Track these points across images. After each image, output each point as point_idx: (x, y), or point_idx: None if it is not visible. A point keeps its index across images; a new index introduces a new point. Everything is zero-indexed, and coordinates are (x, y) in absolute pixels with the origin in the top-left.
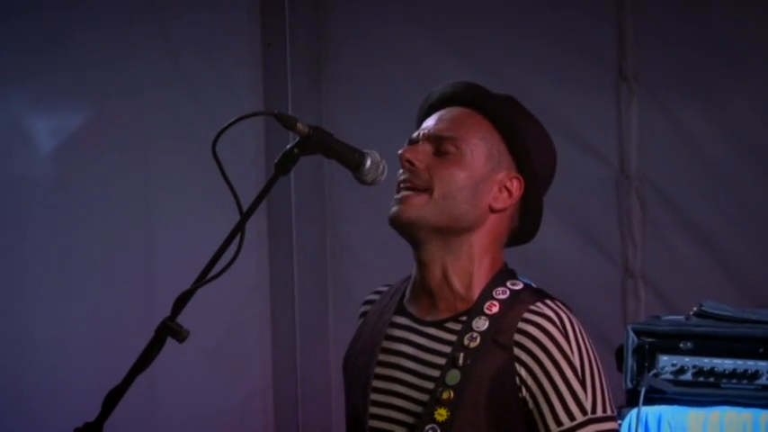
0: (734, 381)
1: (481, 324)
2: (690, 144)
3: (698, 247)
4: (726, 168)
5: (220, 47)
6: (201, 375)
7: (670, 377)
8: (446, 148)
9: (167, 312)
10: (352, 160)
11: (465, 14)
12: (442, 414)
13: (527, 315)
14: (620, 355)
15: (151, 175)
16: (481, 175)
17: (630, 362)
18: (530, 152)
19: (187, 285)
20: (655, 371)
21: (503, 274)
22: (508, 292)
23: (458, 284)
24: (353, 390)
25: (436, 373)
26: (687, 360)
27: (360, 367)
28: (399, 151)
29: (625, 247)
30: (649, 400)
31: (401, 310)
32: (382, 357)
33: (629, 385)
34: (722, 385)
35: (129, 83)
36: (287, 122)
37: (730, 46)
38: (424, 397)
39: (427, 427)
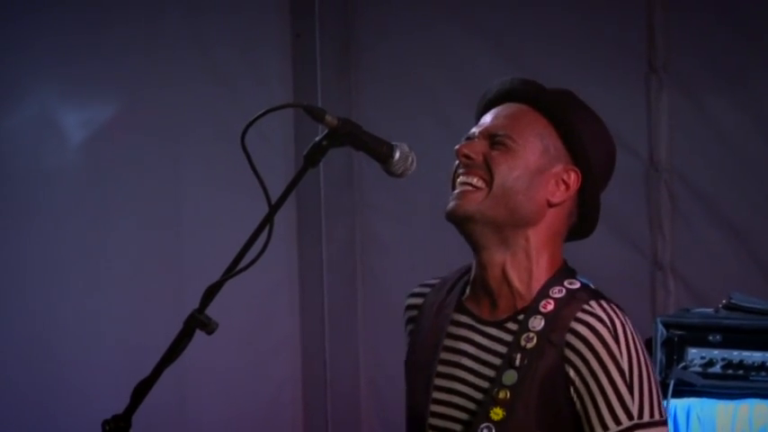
0: (763, 373)
1: (537, 323)
2: (720, 136)
3: (728, 240)
4: (756, 161)
5: (250, 38)
6: (231, 366)
7: (699, 370)
8: (501, 143)
9: (196, 304)
10: (381, 152)
11: (495, 6)
12: (497, 413)
13: (579, 315)
14: (648, 347)
15: (180, 167)
16: (536, 167)
17: (659, 354)
18: (584, 145)
19: (216, 277)
20: (684, 363)
21: (562, 273)
22: (564, 291)
23: (516, 282)
24: (415, 386)
25: (493, 373)
26: (716, 353)
27: (421, 364)
28: (456, 147)
29: (654, 239)
30: (678, 393)
31: (461, 308)
32: (444, 356)
33: (658, 378)
34: (751, 378)
35: (158, 75)
36: (316, 114)
37: (761, 37)
38: (481, 396)
39: (482, 426)
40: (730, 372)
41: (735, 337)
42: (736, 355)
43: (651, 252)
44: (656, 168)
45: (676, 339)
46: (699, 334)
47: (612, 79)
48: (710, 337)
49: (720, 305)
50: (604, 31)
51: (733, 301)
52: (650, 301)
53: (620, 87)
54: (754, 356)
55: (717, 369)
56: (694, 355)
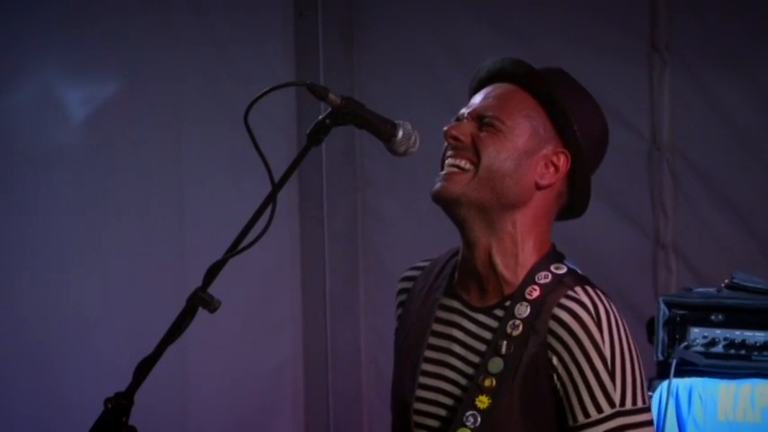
0: (765, 353)
1: (523, 311)
2: (722, 116)
3: (729, 219)
4: (758, 140)
5: (252, 18)
6: (233, 345)
7: (701, 349)
8: (489, 124)
9: (199, 282)
10: (383, 131)
11: None
12: (483, 401)
13: (563, 301)
14: (650, 327)
15: (183, 146)
16: (524, 149)
17: (661, 334)
18: (573, 126)
19: (218, 256)
20: (686, 343)
21: (549, 258)
22: (550, 277)
23: (502, 268)
24: (402, 369)
25: (480, 360)
26: (718, 332)
27: (409, 348)
28: (444, 128)
29: (657, 218)
30: (680, 373)
31: (452, 293)
32: (433, 341)
33: (660, 357)
34: (753, 357)
35: (161, 54)
36: (319, 93)
37: (764, 17)
38: (468, 383)
39: (467, 413)
40: (732, 351)
41: (737, 317)
42: (738, 334)
43: (653, 231)
44: (658, 148)
45: (678, 319)
46: (701, 313)
47: (615, 59)
48: (713, 317)
49: (723, 285)
50: (607, 11)
51: (735, 280)
52: (652, 280)
53: (623, 67)
54: (757, 336)
55: (719, 348)
56: (696, 334)
